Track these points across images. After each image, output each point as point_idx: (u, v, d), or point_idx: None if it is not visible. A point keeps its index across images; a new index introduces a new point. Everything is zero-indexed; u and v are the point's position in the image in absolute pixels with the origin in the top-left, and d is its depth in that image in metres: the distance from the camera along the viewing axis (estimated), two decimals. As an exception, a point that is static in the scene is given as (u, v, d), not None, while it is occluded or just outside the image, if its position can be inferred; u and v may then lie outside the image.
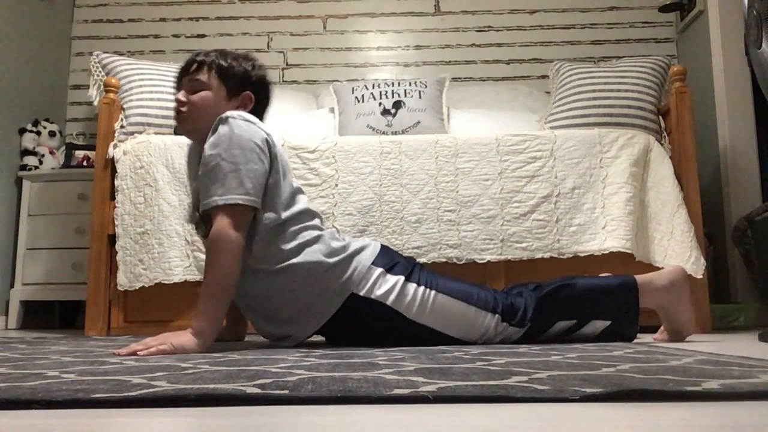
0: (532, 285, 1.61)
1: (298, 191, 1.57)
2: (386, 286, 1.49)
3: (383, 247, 1.58)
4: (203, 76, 1.56)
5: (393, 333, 1.51)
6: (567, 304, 1.56)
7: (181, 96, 1.56)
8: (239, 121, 1.45)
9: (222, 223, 1.39)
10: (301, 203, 1.54)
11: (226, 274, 1.38)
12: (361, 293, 1.49)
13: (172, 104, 2.57)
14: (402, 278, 1.50)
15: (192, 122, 1.56)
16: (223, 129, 1.44)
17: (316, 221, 1.56)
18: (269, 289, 1.49)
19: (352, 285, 1.49)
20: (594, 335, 1.59)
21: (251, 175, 1.42)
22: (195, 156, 1.63)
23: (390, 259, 1.55)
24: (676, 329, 1.68)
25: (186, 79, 1.58)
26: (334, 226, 2.23)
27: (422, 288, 1.50)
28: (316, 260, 1.47)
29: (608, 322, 1.58)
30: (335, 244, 1.52)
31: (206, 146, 1.46)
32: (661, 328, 1.74)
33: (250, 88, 1.59)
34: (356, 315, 1.50)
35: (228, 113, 1.46)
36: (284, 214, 1.48)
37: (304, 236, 1.49)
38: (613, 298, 1.58)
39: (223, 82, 1.57)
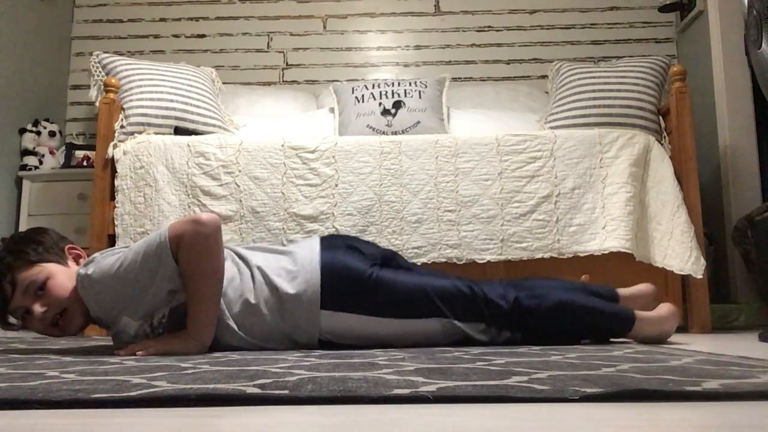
0: (515, 291, 1.56)
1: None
2: (338, 323, 1.47)
3: (326, 267, 1.49)
4: (30, 271, 1.38)
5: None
6: (556, 327, 1.53)
7: (39, 308, 1.37)
8: (90, 267, 1.37)
9: (191, 228, 1.32)
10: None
11: (215, 267, 1.36)
12: (323, 336, 1.48)
13: (173, 104, 2.60)
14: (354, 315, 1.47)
15: (77, 308, 1.39)
16: (88, 281, 1.35)
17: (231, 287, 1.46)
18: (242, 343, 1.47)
19: (313, 330, 1.47)
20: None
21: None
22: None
23: (338, 288, 1.47)
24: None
25: (19, 295, 1.37)
26: (334, 227, 2.23)
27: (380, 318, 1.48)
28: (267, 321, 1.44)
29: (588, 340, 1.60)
30: (265, 302, 1.45)
31: (99, 298, 1.36)
32: None
33: (63, 245, 1.48)
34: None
35: (77, 273, 1.37)
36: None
37: (237, 308, 1.44)
38: (606, 328, 1.58)
39: (47, 259, 1.41)
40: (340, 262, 1.49)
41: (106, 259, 1.37)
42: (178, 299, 1.37)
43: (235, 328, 1.43)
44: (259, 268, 1.47)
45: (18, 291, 1.37)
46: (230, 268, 1.46)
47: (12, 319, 1.42)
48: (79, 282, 1.37)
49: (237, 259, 1.51)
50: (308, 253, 1.51)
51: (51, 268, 1.40)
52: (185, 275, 1.34)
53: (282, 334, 1.46)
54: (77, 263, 1.47)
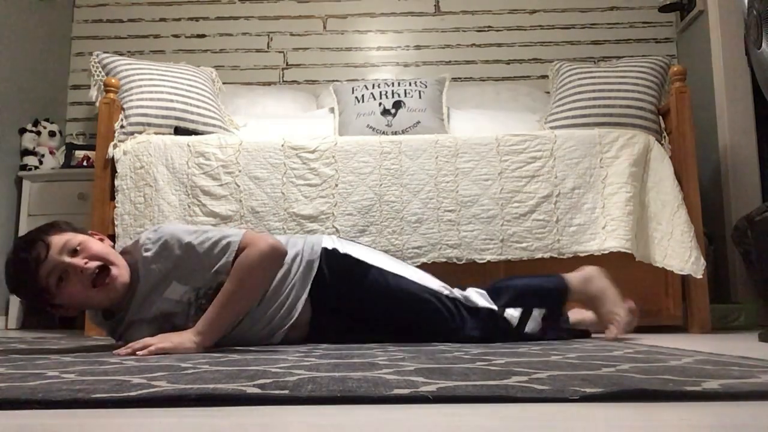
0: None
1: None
2: (342, 243, 1.66)
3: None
4: (66, 235, 1.37)
5: (371, 289, 1.60)
6: (509, 292, 1.67)
7: (79, 260, 1.34)
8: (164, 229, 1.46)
9: (256, 245, 1.39)
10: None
11: (257, 290, 1.43)
12: (329, 247, 1.61)
13: (173, 104, 2.60)
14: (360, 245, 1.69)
15: (120, 268, 1.39)
16: (167, 237, 1.42)
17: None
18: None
19: (317, 247, 1.61)
20: (538, 328, 1.65)
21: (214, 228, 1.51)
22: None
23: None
24: (603, 317, 1.76)
25: (54, 254, 1.33)
26: (334, 227, 2.23)
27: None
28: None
29: (543, 310, 1.67)
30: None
31: (167, 255, 1.41)
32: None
33: (91, 232, 1.49)
34: (335, 276, 1.59)
35: (141, 240, 1.44)
36: None
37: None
38: (546, 287, 1.74)
39: (79, 232, 1.43)
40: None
41: (177, 227, 1.47)
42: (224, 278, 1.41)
43: None
44: None
45: (53, 251, 1.33)
46: None
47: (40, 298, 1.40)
48: (148, 238, 1.42)
49: None
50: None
51: (83, 237, 1.40)
52: (230, 279, 1.37)
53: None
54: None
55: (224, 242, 1.40)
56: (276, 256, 1.42)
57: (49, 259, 1.33)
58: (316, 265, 1.58)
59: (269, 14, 3.61)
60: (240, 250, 1.39)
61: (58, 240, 1.35)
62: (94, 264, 1.35)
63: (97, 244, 1.40)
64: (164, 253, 1.41)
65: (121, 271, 1.39)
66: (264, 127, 2.75)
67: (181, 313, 1.45)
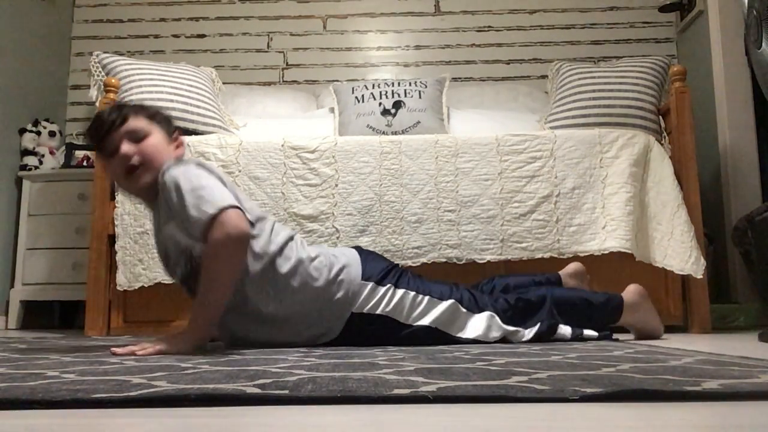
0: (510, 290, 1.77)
1: (261, 215, 1.55)
2: (377, 297, 1.55)
3: (363, 255, 1.62)
4: (141, 123, 1.46)
5: (391, 336, 1.56)
6: (558, 311, 1.66)
7: (128, 148, 1.42)
8: (182, 166, 1.42)
9: (223, 226, 1.32)
10: (269, 223, 1.53)
11: (232, 274, 1.36)
12: (356, 310, 1.54)
13: (173, 104, 2.59)
14: (391, 287, 1.56)
15: (151, 172, 1.44)
16: (171, 176, 1.39)
17: (292, 244, 1.54)
18: (268, 316, 1.50)
19: (348, 305, 1.53)
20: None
21: (221, 189, 1.39)
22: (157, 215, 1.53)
23: (376, 268, 1.59)
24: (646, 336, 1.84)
25: (121, 132, 1.43)
26: (334, 227, 2.23)
27: (411, 293, 1.57)
28: (311, 286, 1.50)
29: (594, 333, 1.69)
30: (318, 264, 1.53)
31: (167, 195, 1.39)
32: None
33: (177, 131, 1.55)
34: (354, 328, 1.55)
35: (167, 168, 1.42)
36: (260, 242, 1.48)
37: (290, 263, 1.49)
38: (600, 311, 1.74)
39: (158, 125, 1.49)
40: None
41: (190, 173, 1.40)
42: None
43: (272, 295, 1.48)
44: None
45: (123, 128, 1.42)
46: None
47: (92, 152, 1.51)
48: (169, 171, 1.40)
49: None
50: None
51: (158, 133, 1.47)
52: (202, 269, 1.35)
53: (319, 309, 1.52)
54: (177, 150, 1.51)
55: (203, 208, 1.34)
56: (239, 242, 1.34)
57: (116, 132, 1.43)
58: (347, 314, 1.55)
59: (269, 14, 3.61)
60: (208, 228, 1.32)
61: (132, 123, 1.44)
62: (135, 160, 1.42)
63: (153, 144, 1.44)
64: (166, 194, 1.40)
65: (145, 176, 1.44)
66: (264, 127, 2.75)
67: (179, 263, 1.45)
